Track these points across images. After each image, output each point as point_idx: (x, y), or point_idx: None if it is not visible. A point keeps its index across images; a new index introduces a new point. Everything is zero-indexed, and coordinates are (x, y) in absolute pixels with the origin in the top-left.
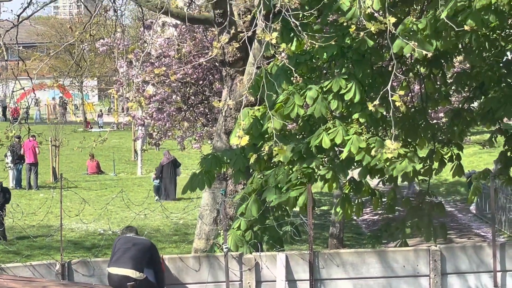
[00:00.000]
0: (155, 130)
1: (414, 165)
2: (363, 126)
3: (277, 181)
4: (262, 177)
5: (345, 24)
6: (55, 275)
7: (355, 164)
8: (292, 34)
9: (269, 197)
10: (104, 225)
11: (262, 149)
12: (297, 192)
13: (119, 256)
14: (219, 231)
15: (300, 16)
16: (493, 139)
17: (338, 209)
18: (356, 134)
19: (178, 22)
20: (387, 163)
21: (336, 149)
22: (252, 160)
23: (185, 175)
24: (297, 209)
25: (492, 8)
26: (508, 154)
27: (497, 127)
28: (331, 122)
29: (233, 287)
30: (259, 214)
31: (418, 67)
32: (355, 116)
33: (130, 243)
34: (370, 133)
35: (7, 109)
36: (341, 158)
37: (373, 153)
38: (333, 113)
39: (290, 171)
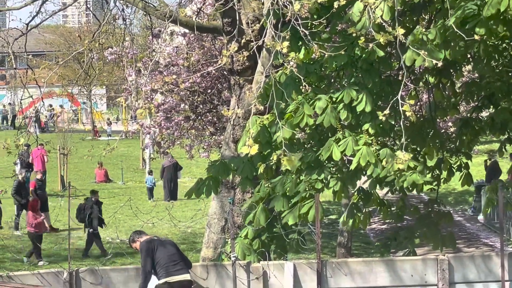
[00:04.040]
0: (163, 138)
1: (424, 178)
2: (373, 137)
3: (284, 189)
4: (269, 185)
5: (354, 34)
6: (63, 283)
7: (364, 173)
8: (300, 43)
9: (277, 206)
10: (112, 233)
11: (271, 158)
12: (307, 206)
13: (175, 264)
14: (227, 240)
15: (309, 25)
16: (502, 148)
17: (346, 219)
18: (366, 145)
19: (187, 30)
20: (397, 175)
21: (345, 158)
22: (261, 170)
23: (193, 183)
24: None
25: (501, 17)
26: None
27: (506, 136)
28: (341, 132)
29: None
30: (267, 222)
31: (427, 76)
32: (365, 127)
33: (169, 247)
34: (379, 142)
35: (16, 118)
36: (350, 169)
37: (384, 163)
38: (342, 123)
39: (298, 180)
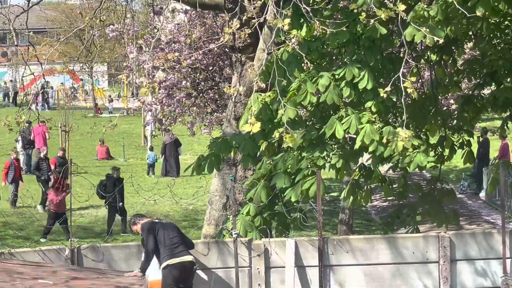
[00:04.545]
0: (164, 115)
1: (428, 159)
2: (376, 115)
3: (286, 166)
4: (271, 162)
5: (355, 10)
6: (64, 260)
7: (367, 151)
8: (302, 20)
9: (279, 183)
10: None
11: (273, 135)
12: (309, 183)
13: (176, 246)
14: (228, 217)
15: (311, 2)
16: (504, 126)
17: (347, 196)
18: (369, 122)
19: (188, 8)
20: (402, 155)
21: (347, 136)
22: (263, 147)
23: (195, 160)
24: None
25: None
26: None
27: (508, 114)
28: (344, 110)
29: (242, 273)
30: (268, 199)
31: (428, 53)
32: (368, 104)
33: (170, 230)
34: (382, 120)
35: (18, 95)
36: (354, 148)
37: (384, 140)
38: (344, 100)
39: (299, 157)
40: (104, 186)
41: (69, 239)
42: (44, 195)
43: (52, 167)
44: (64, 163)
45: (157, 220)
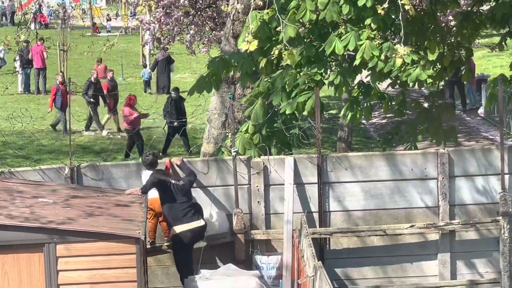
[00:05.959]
0: (163, 34)
1: (427, 72)
2: (375, 32)
3: (283, 83)
4: (269, 80)
5: None
6: (64, 179)
7: (366, 67)
8: None
9: (275, 100)
10: (113, 129)
11: (272, 52)
12: (305, 97)
13: (186, 212)
14: (227, 134)
15: None
16: (503, 42)
17: (346, 112)
18: (369, 39)
19: None
20: (401, 70)
21: (346, 53)
22: (262, 65)
23: (193, 79)
24: (305, 113)
25: None
26: None
27: (506, 30)
28: (343, 27)
29: (242, 191)
30: (267, 117)
31: None
32: (368, 21)
33: (180, 194)
34: (381, 37)
35: (15, 14)
36: (354, 63)
37: (382, 57)
38: (343, 17)
39: (298, 75)
40: (165, 106)
41: (145, 154)
42: (90, 119)
43: (105, 91)
44: (116, 85)
45: (173, 181)
